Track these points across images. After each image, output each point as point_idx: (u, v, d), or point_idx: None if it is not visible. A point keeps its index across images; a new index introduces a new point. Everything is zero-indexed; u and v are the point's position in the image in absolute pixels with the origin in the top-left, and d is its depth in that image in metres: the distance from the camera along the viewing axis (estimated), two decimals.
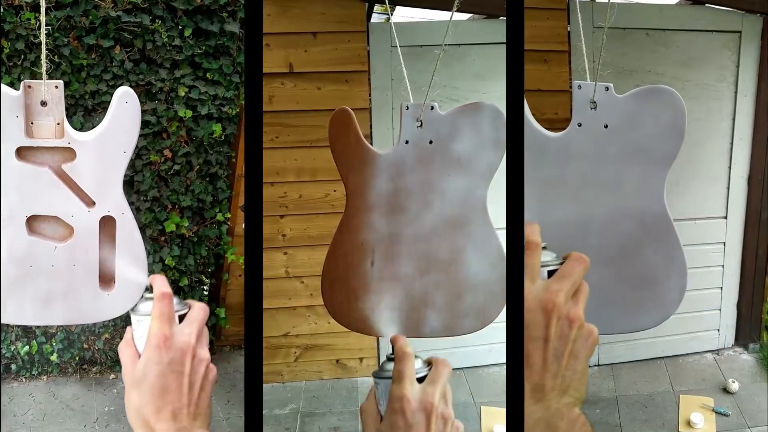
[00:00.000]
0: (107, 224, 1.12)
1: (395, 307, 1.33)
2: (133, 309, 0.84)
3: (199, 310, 0.84)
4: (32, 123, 1.07)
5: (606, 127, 1.18)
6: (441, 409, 0.75)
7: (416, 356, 0.80)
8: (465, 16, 3.27)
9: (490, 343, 3.45)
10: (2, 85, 1.08)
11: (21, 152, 1.08)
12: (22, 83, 1.07)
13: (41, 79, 1.04)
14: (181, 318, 0.83)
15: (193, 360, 0.79)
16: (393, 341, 0.83)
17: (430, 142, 1.26)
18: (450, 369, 0.79)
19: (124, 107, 1.09)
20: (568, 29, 3.05)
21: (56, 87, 1.08)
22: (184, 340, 0.80)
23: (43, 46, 0.99)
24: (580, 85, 1.18)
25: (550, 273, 0.71)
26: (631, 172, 1.20)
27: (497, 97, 3.40)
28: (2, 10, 2.73)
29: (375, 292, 1.31)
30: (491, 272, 1.32)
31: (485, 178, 1.28)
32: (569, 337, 0.68)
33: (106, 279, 1.13)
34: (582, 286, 0.72)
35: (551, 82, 3.04)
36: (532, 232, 0.75)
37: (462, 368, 3.55)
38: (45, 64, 1.00)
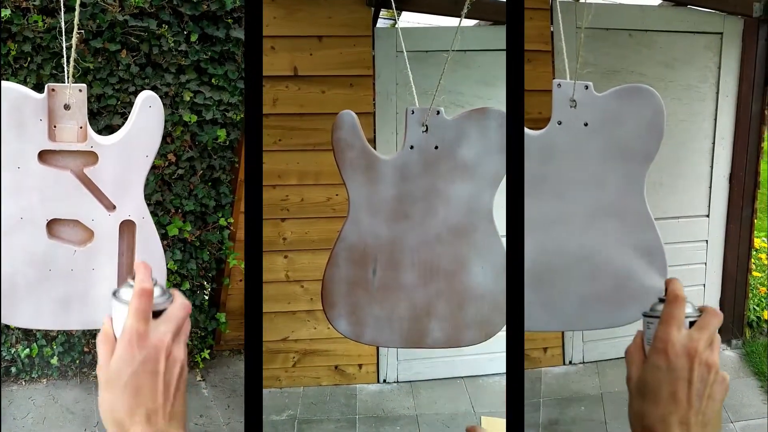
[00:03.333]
0: (127, 228, 1.13)
1: (398, 317, 1.29)
2: (114, 293, 0.79)
3: (179, 308, 0.80)
4: (55, 126, 1.08)
5: (586, 125, 1.18)
6: (706, 356, 0.77)
7: (688, 301, 0.82)
8: (471, 23, 3.29)
9: (491, 353, 3.45)
10: (26, 88, 1.08)
11: (43, 155, 1.09)
12: (46, 86, 1.07)
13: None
14: (162, 313, 0.78)
15: (168, 359, 0.76)
16: (668, 283, 0.83)
17: (436, 148, 1.23)
18: (721, 319, 0.81)
19: (148, 111, 1.10)
20: (551, 29, 3.06)
21: (80, 90, 1.09)
22: (158, 338, 0.76)
23: (73, 50, 1.00)
24: (559, 84, 1.18)
25: (691, 324, 0.80)
26: (611, 170, 1.20)
27: (502, 104, 3.40)
28: (10, 13, 2.73)
29: (377, 301, 1.28)
30: (495, 282, 1.29)
31: (491, 185, 1.26)
32: (708, 381, 0.77)
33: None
34: (716, 337, 0.80)
35: (534, 82, 3.03)
36: (679, 287, 0.82)
37: (462, 377, 3.55)
38: (71, 67, 1.00)
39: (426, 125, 1.22)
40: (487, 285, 1.30)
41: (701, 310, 0.82)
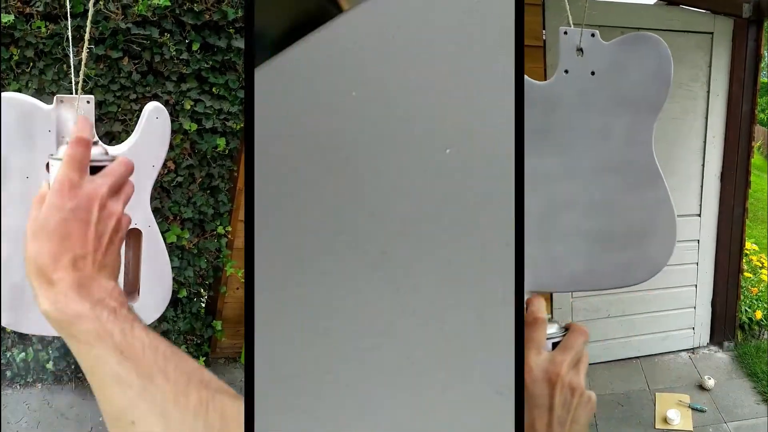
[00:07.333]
0: (133, 236, 1.14)
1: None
2: (51, 154, 0.76)
3: (119, 164, 0.77)
4: (63, 137, 1.09)
5: (593, 74, 1.16)
6: (569, 379, 0.72)
7: (553, 321, 0.76)
8: (651, 0, 3.29)
9: (665, 331, 3.58)
10: (34, 99, 1.10)
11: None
12: (54, 98, 1.09)
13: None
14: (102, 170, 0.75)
15: (102, 211, 0.72)
16: (528, 303, 0.77)
17: (592, 74, 1.13)
18: (587, 336, 0.75)
19: (155, 122, 1.12)
20: (544, 35, 3.05)
21: (87, 102, 1.11)
22: (92, 189, 0.72)
23: (83, 64, 1.01)
24: (566, 31, 1.16)
25: (554, 344, 0.74)
26: (618, 121, 1.16)
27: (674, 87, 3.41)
28: (13, 18, 2.75)
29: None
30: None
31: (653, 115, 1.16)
32: (571, 405, 0.71)
33: (130, 291, 1.15)
34: (583, 356, 0.75)
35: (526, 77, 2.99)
36: (538, 309, 0.77)
37: (638, 357, 3.66)
38: (81, 80, 1.02)
39: (581, 48, 1.15)
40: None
41: (567, 328, 0.77)
